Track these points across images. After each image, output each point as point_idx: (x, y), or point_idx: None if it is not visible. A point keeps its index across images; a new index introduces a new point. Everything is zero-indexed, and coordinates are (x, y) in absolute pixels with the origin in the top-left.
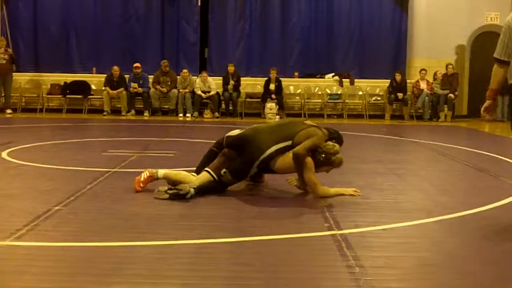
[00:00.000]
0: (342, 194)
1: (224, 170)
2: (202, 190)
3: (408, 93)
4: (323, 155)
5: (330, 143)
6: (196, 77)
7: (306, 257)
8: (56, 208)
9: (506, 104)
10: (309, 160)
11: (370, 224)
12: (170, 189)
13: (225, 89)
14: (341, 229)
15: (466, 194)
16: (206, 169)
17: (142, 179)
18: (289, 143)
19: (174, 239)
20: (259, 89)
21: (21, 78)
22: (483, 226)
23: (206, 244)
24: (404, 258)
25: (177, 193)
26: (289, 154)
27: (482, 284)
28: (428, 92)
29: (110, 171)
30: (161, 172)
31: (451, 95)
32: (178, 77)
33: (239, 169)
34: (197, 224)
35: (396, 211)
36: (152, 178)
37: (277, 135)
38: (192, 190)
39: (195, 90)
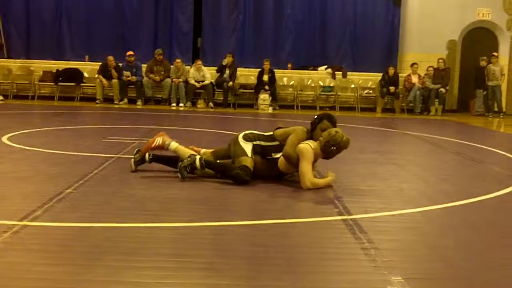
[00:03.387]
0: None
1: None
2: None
3: (400, 86)
4: (334, 148)
5: (332, 131)
6: (189, 66)
7: (322, 239)
8: (68, 191)
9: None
10: (308, 151)
11: (378, 210)
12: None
13: (222, 80)
14: (351, 215)
15: (466, 183)
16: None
17: (153, 145)
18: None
19: (191, 221)
20: (253, 80)
21: (13, 65)
22: (486, 214)
23: (224, 227)
24: (415, 242)
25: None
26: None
27: (489, 265)
28: (420, 86)
29: (113, 156)
30: (173, 145)
31: (442, 89)
32: (171, 66)
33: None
34: (211, 208)
35: (401, 198)
36: (163, 148)
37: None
38: (198, 162)
39: (188, 79)
